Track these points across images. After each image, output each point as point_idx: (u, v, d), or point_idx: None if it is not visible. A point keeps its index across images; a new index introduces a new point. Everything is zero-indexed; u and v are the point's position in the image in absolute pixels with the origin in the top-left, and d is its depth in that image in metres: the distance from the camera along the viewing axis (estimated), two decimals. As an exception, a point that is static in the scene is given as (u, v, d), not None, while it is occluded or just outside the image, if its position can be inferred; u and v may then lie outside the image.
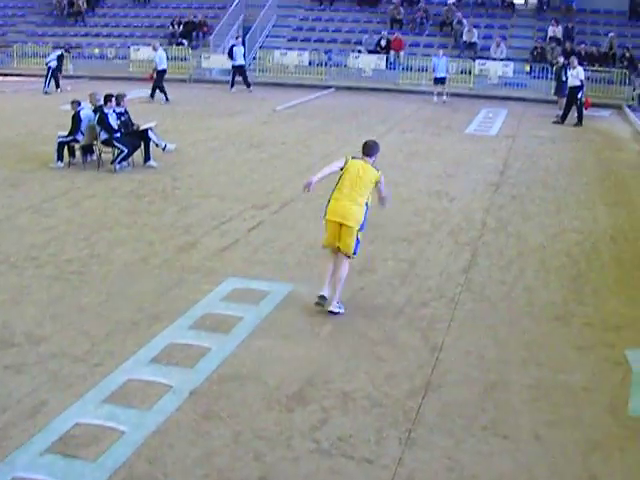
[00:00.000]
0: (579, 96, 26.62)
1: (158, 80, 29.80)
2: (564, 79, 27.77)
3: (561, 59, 29.11)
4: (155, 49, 30.55)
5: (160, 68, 29.96)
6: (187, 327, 9.43)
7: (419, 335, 9.40)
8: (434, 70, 32.02)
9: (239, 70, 32.84)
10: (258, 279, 11.06)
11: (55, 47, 34.11)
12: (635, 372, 8.62)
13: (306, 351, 8.81)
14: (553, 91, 29.72)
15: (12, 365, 8.32)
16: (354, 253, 10.07)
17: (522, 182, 17.65)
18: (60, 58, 32.38)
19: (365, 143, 10.48)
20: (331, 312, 9.89)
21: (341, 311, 9.94)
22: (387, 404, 7.73)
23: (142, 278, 11.05)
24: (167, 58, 31.55)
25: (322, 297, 9.94)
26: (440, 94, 31.58)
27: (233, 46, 33.00)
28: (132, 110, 19.23)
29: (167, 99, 29.61)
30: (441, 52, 32.62)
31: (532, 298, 10.76)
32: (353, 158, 10.34)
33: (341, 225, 9.98)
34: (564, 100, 27.46)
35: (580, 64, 28.19)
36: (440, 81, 31.71)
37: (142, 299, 10.26)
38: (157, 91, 29.73)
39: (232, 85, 33.16)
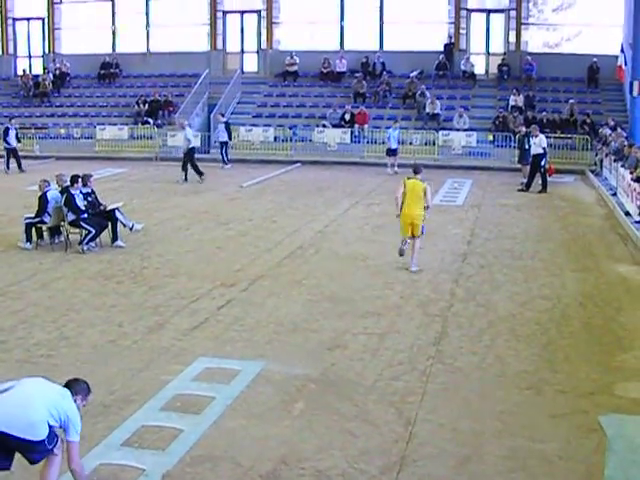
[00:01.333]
0: (542, 163, 26.93)
1: (190, 158, 29.56)
2: (527, 147, 28.12)
3: (523, 128, 29.53)
4: (183, 127, 30.31)
5: (191, 146, 29.72)
6: (158, 409, 9.35)
7: (392, 409, 9.36)
8: (388, 141, 32.45)
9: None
10: (229, 358, 11.01)
11: (7, 126, 33.00)
12: (609, 438, 8.61)
13: (279, 430, 8.74)
14: (517, 159, 30.06)
15: (-19, 454, 8.19)
16: (422, 233, 16.03)
17: (489, 251, 17.75)
18: (17, 136, 32.69)
19: (414, 165, 17.59)
20: (412, 271, 15.80)
21: (418, 268, 15.88)
22: (362, 481, 7.67)
23: (112, 360, 10.96)
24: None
25: (402, 250, 16.22)
26: (392, 165, 31.93)
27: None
28: (99, 189, 19.24)
29: (186, 179, 29.34)
30: (397, 124, 33.05)
31: (504, 368, 10.76)
32: (408, 179, 16.06)
33: (412, 223, 15.86)
34: (528, 168, 27.77)
35: (542, 132, 28.60)
36: (393, 152, 32.14)
37: (112, 381, 10.16)
38: (188, 168, 29.47)
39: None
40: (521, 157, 29.01)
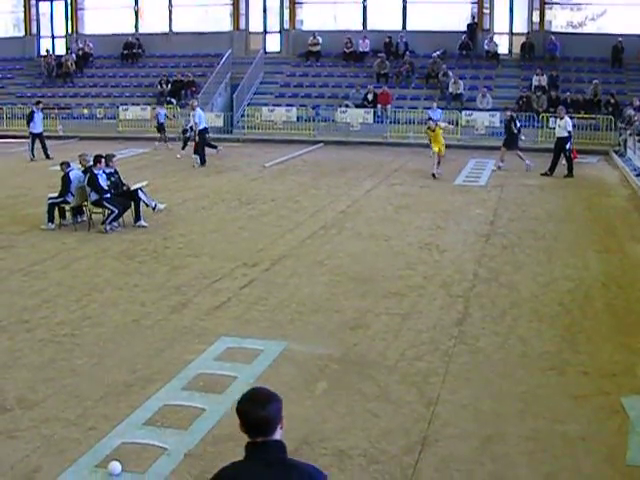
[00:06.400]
0: (567, 147, 26.43)
1: (200, 140, 29.01)
2: (515, 131, 27.81)
3: (509, 112, 28.90)
4: (193, 108, 29.40)
5: (201, 127, 29.03)
6: (181, 388, 9.39)
7: (414, 390, 9.36)
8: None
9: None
10: (251, 337, 11.03)
11: (32, 109, 31.50)
12: (631, 420, 8.59)
13: (301, 409, 8.75)
14: (503, 141, 28.80)
15: (4, 431, 8.27)
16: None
17: (512, 232, 17.68)
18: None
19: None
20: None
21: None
22: (384, 461, 7.68)
23: (134, 340, 11.01)
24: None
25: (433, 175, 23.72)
26: None
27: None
28: (121, 170, 19.29)
29: (203, 162, 28.69)
30: (435, 105, 32.71)
31: (526, 348, 10.73)
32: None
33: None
34: (518, 153, 27.46)
35: (567, 114, 28.13)
36: None
37: (135, 361, 10.21)
38: (204, 149, 29.10)
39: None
40: (507, 141, 28.18)
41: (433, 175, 25.38)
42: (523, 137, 28.61)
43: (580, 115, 33.92)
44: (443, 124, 28.22)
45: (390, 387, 9.45)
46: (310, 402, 9.01)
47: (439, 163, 25.94)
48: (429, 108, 34.58)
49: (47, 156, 30.05)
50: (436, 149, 26.10)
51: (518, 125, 27.98)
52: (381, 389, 9.39)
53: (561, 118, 26.94)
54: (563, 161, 26.57)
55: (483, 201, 21.62)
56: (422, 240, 16.77)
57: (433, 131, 26.56)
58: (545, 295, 13.14)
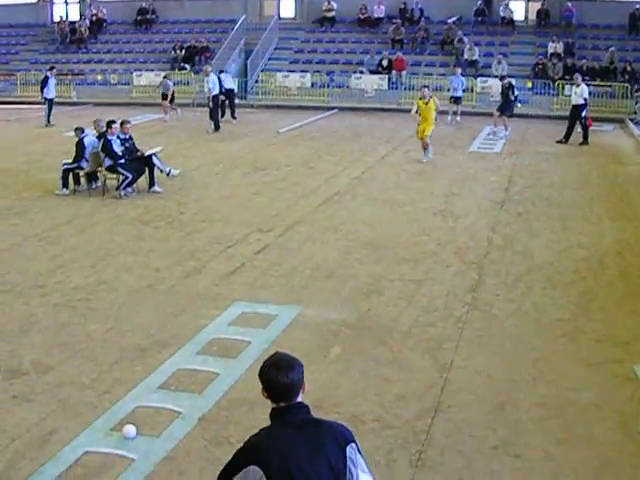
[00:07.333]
0: (583, 114, 26.26)
1: (213, 105, 28.87)
2: (512, 98, 27.73)
3: (507, 79, 28.90)
4: (207, 74, 29.28)
5: (214, 93, 28.85)
6: (195, 353, 9.42)
7: (427, 356, 9.38)
8: (455, 89, 31.73)
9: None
10: (265, 303, 11.05)
11: (46, 74, 31.09)
12: (645, 388, 8.59)
13: (314, 374, 8.74)
14: (498, 107, 28.71)
15: (20, 394, 8.32)
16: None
17: (527, 199, 17.64)
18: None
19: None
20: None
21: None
22: (397, 426, 7.71)
23: (149, 304, 11.05)
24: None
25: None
26: (455, 113, 31.46)
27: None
28: (135, 135, 19.28)
29: (217, 128, 28.63)
30: (459, 70, 32.44)
31: (540, 315, 10.73)
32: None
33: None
34: (504, 119, 27.45)
35: (584, 81, 27.89)
36: (457, 100, 31.68)
37: (149, 325, 10.25)
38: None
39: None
40: (502, 106, 28.08)
41: (423, 161, 21.92)
42: (519, 104, 28.59)
43: (596, 82, 33.68)
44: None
45: (404, 353, 9.47)
46: (324, 367, 9.04)
47: (425, 149, 22.19)
48: (444, 74, 34.41)
49: (48, 122, 30.19)
50: (422, 133, 21.92)
51: (516, 93, 27.97)
52: (394, 355, 9.41)
53: (577, 85, 26.70)
54: (578, 129, 26.43)
55: (498, 168, 21.54)
56: (436, 206, 16.75)
57: (426, 104, 21.70)
58: (559, 262, 13.12)
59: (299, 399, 4.19)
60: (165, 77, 32.75)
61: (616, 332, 10.22)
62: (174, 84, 33.56)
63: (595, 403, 8.24)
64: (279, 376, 4.12)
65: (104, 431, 7.56)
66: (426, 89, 22.34)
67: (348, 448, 4.12)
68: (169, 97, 31.92)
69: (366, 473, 4.15)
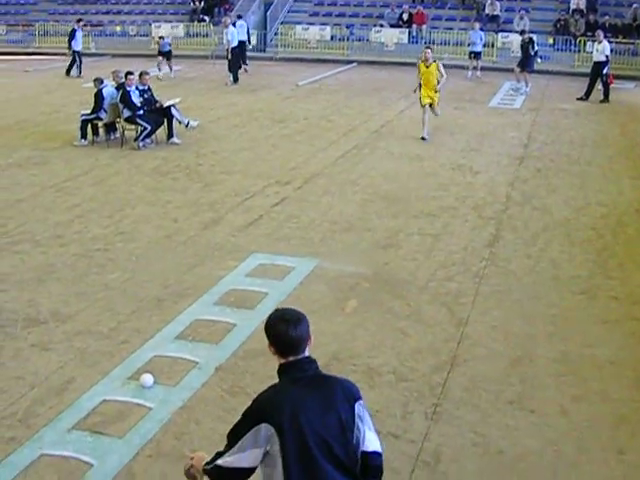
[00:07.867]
0: (604, 71, 25.99)
1: (233, 56, 28.65)
2: (532, 53, 27.50)
3: (527, 34, 28.65)
4: (226, 26, 29.06)
5: (232, 45, 28.57)
6: (212, 303, 9.46)
7: (444, 310, 9.38)
8: (473, 44, 31.41)
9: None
10: (282, 255, 11.06)
11: (73, 27, 31.25)
12: (662, 345, 8.59)
13: (331, 326, 8.80)
14: (518, 63, 28.46)
15: (39, 343, 8.38)
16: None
17: (546, 155, 17.54)
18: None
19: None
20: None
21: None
22: (413, 379, 7.73)
23: (167, 255, 11.08)
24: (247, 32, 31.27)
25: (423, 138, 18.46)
26: (475, 68, 31.20)
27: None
28: (154, 87, 19.24)
29: (236, 80, 28.55)
30: (477, 25, 32.05)
31: (557, 272, 10.71)
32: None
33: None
34: (525, 75, 27.25)
35: (606, 38, 27.58)
36: (477, 55, 31.37)
37: (167, 276, 10.29)
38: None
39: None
40: (522, 62, 27.90)
41: (423, 138, 18.79)
42: (539, 60, 28.36)
43: (618, 40, 33.36)
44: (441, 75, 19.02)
45: (420, 307, 9.48)
46: (341, 319, 9.06)
47: (424, 124, 19.04)
48: (465, 29, 34.14)
49: (68, 72, 30.50)
50: (426, 100, 18.85)
51: (536, 48, 27.67)
52: (411, 308, 9.42)
53: (599, 42, 26.33)
54: (599, 86, 26.16)
55: (518, 124, 21.41)
56: (455, 161, 16.68)
57: (427, 67, 18.86)
58: (578, 219, 13.07)
59: (306, 353, 4.18)
60: (161, 37, 32.23)
61: (633, 290, 10.20)
62: (193, 36, 33.28)
63: (611, 360, 8.24)
64: (289, 329, 4.10)
65: (122, 380, 7.62)
66: (428, 50, 19.22)
67: (357, 405, 4.13)
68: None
69: (372, 431, 4.15)
